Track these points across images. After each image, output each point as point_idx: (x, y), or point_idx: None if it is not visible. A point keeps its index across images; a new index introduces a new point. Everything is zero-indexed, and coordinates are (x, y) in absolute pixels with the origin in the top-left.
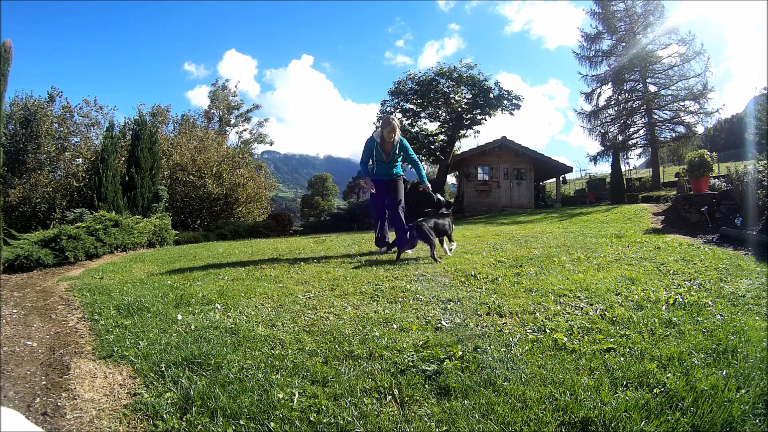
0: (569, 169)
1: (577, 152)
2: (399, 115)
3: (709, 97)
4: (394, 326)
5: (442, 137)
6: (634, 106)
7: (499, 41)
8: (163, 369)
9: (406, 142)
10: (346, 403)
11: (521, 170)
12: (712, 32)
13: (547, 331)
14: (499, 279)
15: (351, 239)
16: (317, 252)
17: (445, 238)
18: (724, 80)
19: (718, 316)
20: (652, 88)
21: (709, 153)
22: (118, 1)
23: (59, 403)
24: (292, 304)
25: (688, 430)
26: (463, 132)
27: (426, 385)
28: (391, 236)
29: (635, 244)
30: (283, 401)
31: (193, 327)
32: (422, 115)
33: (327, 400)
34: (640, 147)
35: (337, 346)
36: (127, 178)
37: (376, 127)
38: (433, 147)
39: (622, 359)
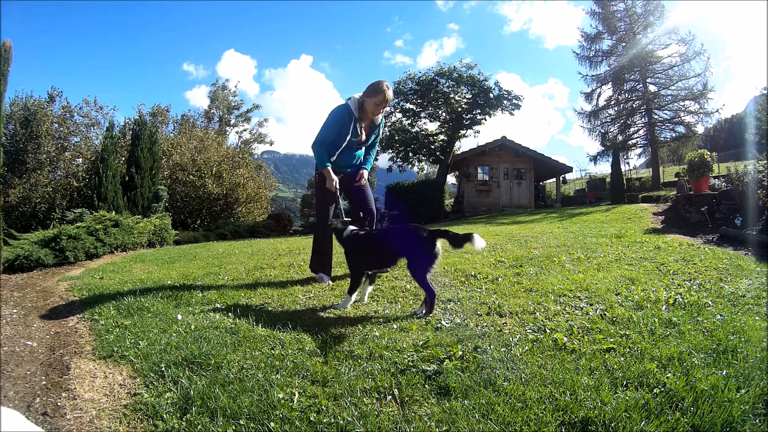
0: (569, 169)
1: (577, 152)
2: (399, 115)
3: (709, 97)
4: (394, 326)
5: (442, 137)
6: (634, 106)
7: (499, 41)
8: (163, 369)
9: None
10: (346, 403)
11: (521, 170)
12: (712, 32)
13: (547, 331)
14: (499, 279)
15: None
16: None
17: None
18: (724, 80)
19: (718, 316)
20: (652, 88)
21: (709, 153)
22: (118, 1)
23: (59, 403)
24: (292, 304)
25: (688, 430)
26: (463, 132)
27: (426, 385)
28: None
29: (635, 244)
30: (283, 401)
31: (193, 327)
32: (422, 115)
33: (327, 400)
34: (640, 147)
35: (337, 346)
36: (127, 178)
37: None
38: (433, 147)
39: (622, 359)
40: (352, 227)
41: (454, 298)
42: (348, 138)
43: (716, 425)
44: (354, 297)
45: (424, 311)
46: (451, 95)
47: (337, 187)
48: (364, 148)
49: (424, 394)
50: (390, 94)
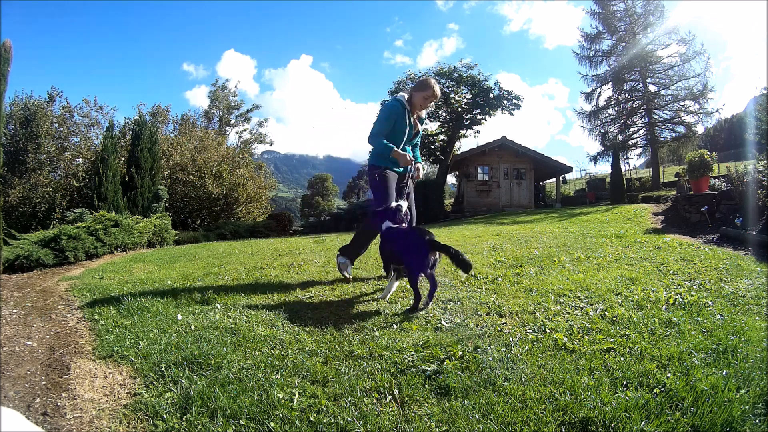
0: (569, 169)
1: (577, 152)
2: None
3: (709, 97)
4: (394, 326)
5: (442, 137)
6: (634, 106)
7: (499, 41)
8: (163, 369)
9: None
10: (346, 403)
11: (521, 170)
12: (712, 32)
13: (547, 331)
14: (499, 279)
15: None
16: (317, 252)
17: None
18: (724, 80)
19: (718, 316)
20: (652, 88)
21: (709, 153)
22: (118, 1)
23: (59, 403)
24: (292, 304)
25: (688, 430)
26: (463, 132)
27: (426, 385)
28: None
29: (635, 244)
30: (283, 401)
31: (193, 327)
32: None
33: (327, 400)
34: (640, 147)
35: (337, 346)
36: (127, 178)
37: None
38: (433, 147)
39: (622, 359)
40: (389, 222)
41: (454, 298)
42: (407, 130)
43: (716, 425)
44: (393, 281)
45: (415, 306)
46: (451, 95)
47: (410, 164)
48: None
49: (424, 394)
50: (438, 89)
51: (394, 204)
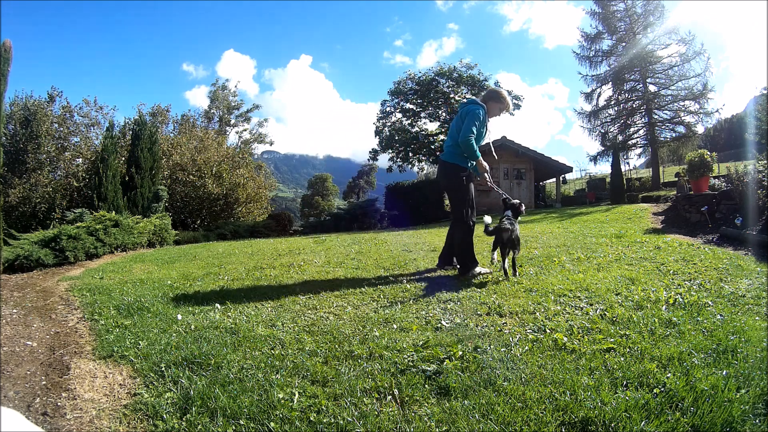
0: (569, 169)
1: (577, 152)
2: (399, 115)
3: (709, 97)
4: (394, 326)
5: (442, 137)
6: (634, 106)
7: (498, 41)
8: (163, 369)
9: None
10: (346, 403)
11: (521, 170)
12: (712, 32)
13: (547, 331)
14: (500, 279)
15: (351, 239)
16: (317, 252)
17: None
18: (724, 80)
19: (718, 316)
20: (652, 88)
21: (709, 153)
22: (118, 1)
23: (59, 403)
24: (292, 304)
25: (688, 430)
26: None
27: (426, 385)
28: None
29: (635, 244)
30: (283, 401)
31: (193, 327)
32: (422, 115)
33: (327, 400)
34: (640, 147)
35: (337, 346)
36: (127, 178)
37: (473, 102)
38: (433, 147)
39: (622, 359)
40: (509, 212)
41: (454, 298)
42: (484, 134)
43: (716, 425)
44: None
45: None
46: (451, 95)
47: (490, 181)
48: None
49: (424, 394)
50: (511, 101)
51: (517, 201)
